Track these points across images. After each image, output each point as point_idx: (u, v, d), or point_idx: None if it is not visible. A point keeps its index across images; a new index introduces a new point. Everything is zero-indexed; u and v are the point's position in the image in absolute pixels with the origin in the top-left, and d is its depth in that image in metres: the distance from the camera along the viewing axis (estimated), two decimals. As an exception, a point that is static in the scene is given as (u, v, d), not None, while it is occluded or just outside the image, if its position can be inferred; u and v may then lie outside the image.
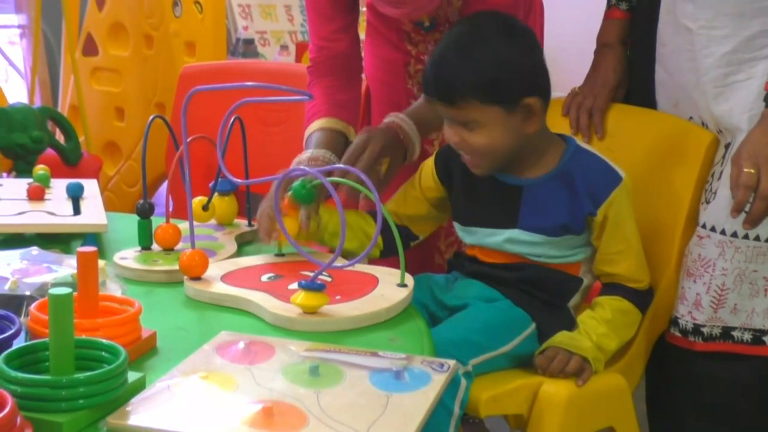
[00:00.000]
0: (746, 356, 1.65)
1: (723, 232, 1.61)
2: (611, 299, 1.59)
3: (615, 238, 1.58)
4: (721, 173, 1.64)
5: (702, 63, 1.64)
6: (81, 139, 2.88)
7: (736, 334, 1.65)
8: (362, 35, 2.93)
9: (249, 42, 3.53)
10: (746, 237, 1.60)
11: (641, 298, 1.61)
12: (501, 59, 1.50)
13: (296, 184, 1.48)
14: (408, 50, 1.98)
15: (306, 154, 1.68)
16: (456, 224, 1.67)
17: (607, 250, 1.59)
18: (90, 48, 3.18)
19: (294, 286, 1.33)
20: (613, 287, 1.61)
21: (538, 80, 1.54)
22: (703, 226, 1.63)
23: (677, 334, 1.68)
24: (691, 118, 1.75)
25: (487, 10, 1.64)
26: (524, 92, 1.51)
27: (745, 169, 1.45)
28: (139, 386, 1.01)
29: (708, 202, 1.64)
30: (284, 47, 3.69)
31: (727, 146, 1.64)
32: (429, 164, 1.70)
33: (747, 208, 1.50)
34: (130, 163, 3.09)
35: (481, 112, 1.50)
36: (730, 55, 1.61)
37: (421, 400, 1.03)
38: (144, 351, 1.13)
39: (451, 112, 1.53)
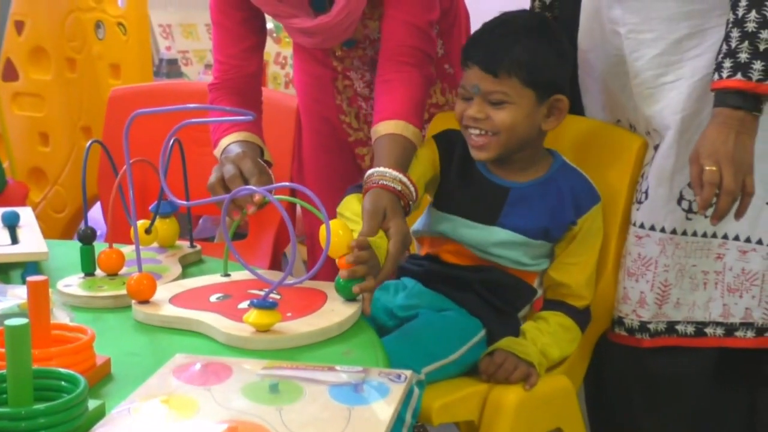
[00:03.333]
0: (691, 349, 1.71)
1: (663, 230, 1.66)
2: (554, 314, 1.64)
3: (578, 249, 1.64)
4: (648, 174, 1.69)
5: (632, 66, 1.69)
6: (5, 165, 2.83)
7: (679, 327, 1.70)
8: (288, 51, 2.92)
9: (172, 62, 3.50)
10: (684, 233, 1.66)
11: (582, 317, 1.66)
12: (553, 51, 1.60)
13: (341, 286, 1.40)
14: (334, 66, 2.00)
15: (235, 155, 1.61)
16: (433, 210, 1.68)
17: (565, 259, 1.64)
18: (10, 73, 3.11)
19: (244, 305, 1.33)
20: (556, 304, 1.66)
21: (568, 87, 1.62)
22: (641, 226, 1.67)
23: (623, 333, 1.72)
24: (618, 121, 1.80)
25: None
26: (559, 89, 1.59)
27: (707, 167, 1.48)
28: (99, 414, 1.00)
29: (640, 202, 1.69)
30: (209, 66, 3.67)
31: (656, 147, 1.69)
32: (429, 144, 1.70)
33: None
34: (57, 189, 3.03)
35: (517, 91, 1.56)
36: (659, 57, 1.65)
37: (382, 411, 1.04)
38: (99, 378, 1.12)
39: (487, 83, 1.56)
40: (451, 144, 1.68)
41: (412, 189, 1.54)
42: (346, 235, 1.40)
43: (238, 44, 1.83)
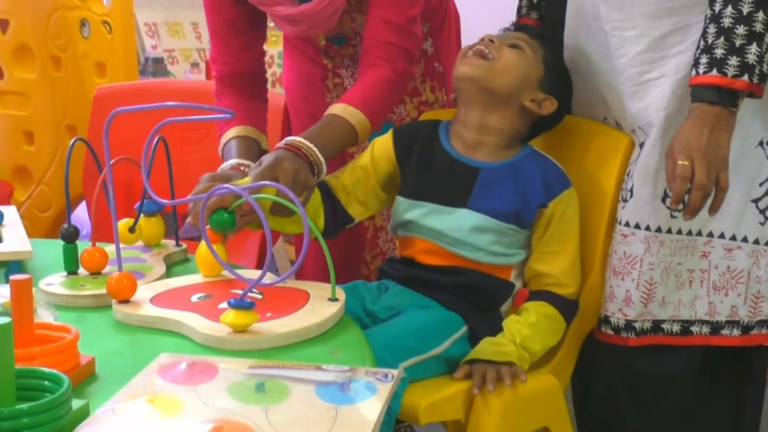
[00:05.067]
0: (677, 347, 1.71)
1: (647, 228, 1.66)
2: (537, 304, 1.63)
3: (555, 236, 1.64)
4: (633, 172, 1.68)
5: (617, 63, 1.69)
6: (-11, 164, 2.82)
7: (665, 326, 1.70)
8: (275, 50, 2.90)
9: (158, 61, 3.50)
10: (669, 231, 1.66)
11: (567, 307, 1.65)
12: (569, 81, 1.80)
13: (213, 216, 1.45)
14: (324, 64, 1.99)
15: (230, 163, 1.69)
16: (402, 199, 1.68)
17: (544, 249, 1.64)
18: (-7, 72, 3.10)
19: (224, 305, 1.31)
20: (540, 294, 1.65)
21: (561, 101, 1.72)
22: (627, 225, 1.67)
23: (609, 332, 1.71)
24: (605, 119, 1.80)
25: None
26: (556, 95, 1.69)
27: (680, 162, 1.48)
28: (84, 413, 0.99)
29: (625, 201, 1.69)
30: (195, 65, 3.67)
31: (641, 145, 1.69)
32: (385, 139, 1.72)
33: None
34: (42, 188, 3.02)
35: (536, 56, 1.69)
36: (643, 54, 1.65)
37: (369, 411, 1.03)
38: (84, 377, 1.11)
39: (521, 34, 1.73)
40: (411, 136, 1.71)
41: (316, 150, 1.57)
42: None
43: (234, 41, 1.85)
